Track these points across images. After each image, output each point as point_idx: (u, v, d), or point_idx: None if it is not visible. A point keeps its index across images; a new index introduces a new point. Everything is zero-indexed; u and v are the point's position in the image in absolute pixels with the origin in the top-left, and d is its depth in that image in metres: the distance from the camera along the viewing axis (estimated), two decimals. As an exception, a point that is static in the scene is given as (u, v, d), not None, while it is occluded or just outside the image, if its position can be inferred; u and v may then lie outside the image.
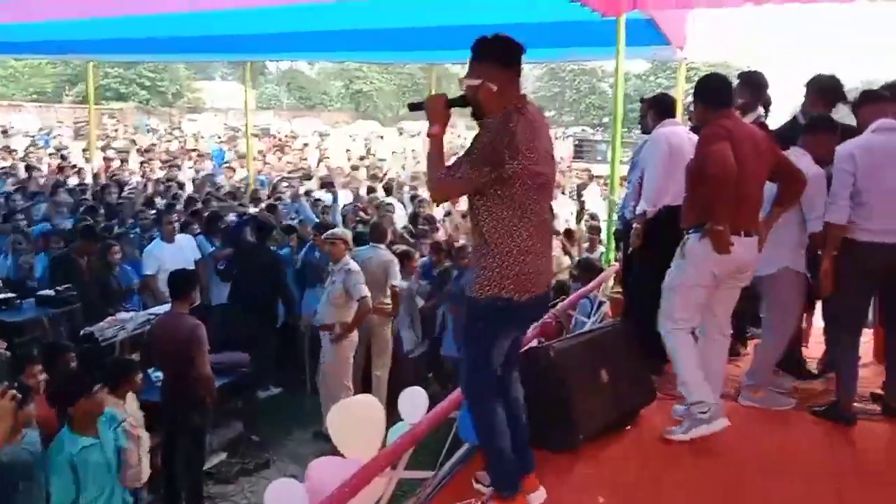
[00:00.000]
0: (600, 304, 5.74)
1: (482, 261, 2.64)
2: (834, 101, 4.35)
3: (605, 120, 39.62)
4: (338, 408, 2.85)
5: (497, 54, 2.59)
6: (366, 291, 5.83)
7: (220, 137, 24.65)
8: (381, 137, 27.65)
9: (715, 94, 3.56)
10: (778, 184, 3.65)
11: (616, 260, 6.15)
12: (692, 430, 3.55)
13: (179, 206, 9.12)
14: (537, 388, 3.17)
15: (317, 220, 8.15)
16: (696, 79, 3.90)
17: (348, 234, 6.07)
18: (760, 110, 4.64)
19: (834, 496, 3.12)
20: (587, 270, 6.43)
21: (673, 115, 4.49)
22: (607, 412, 3.61)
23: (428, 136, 2.67)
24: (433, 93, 2.76)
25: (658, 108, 4.53)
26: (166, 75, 37.86)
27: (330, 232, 6.15)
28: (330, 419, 2.82)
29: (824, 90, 4.36)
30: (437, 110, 2.63)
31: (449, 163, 2.63)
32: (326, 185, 11.07)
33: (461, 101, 2.67)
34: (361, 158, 15.13)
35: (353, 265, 5.87)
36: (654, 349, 4.37)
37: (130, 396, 4.32)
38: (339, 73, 44.89)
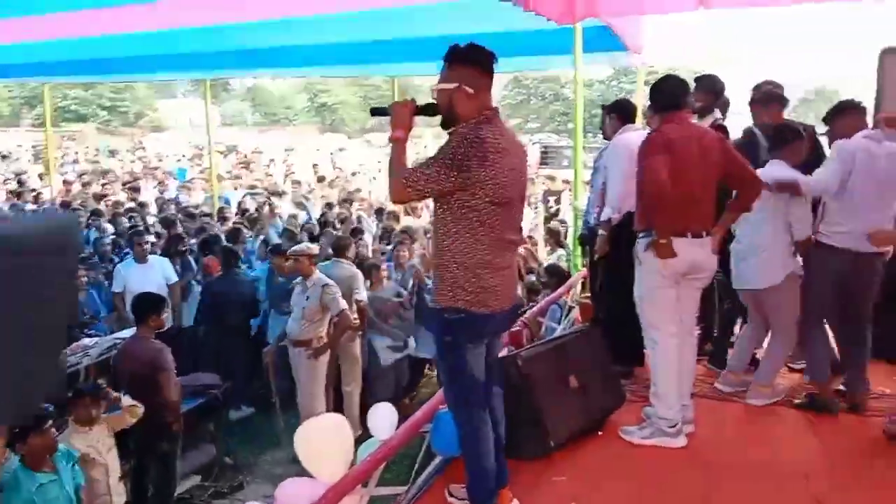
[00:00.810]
0: (570, 309, 5.77)
1: (440, 271, 2.64)
2: (780, 106, 4.45)
3: (571, 126, 39.85)
4: (304, 428, 2.81)
5: (474, 59, 2.60)
6: (344, 304, 5.81)
7: (183, 156, 24.39)
8: (342, 150, 27.56)
9: (662, 97, 3.59)
10: (736, 191, 3.69)
11: (583, 265, 6.19)
12: (652, 437, 3.59)
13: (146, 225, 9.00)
14: (507, 397, 3.16)
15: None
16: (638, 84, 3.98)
17: (313, 248, 6.02)
18: (717, 113, 4.71)
19: (807, 495, 3.15)
20: (555, 276, 6.47)
21: (633, 121, 4.54)
22: (578, 418, 3.63)
23: (390, 140, 2.64)
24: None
25: (618, 114, 4.58)
26: (127, 95, 37.44)
27: (292, 249, 6.09)
28: (297, 440, 2.78)
29: (767, 99, 4.45)
30: (402, 116, 2.62)
31: (411, 166, 2.60)
32: (298, 204, 11.02)
33: (430, 110, 2.67)
34: (320, 180, 14.96)
35: (327, 279, 5.83)
36: (623, 353, 4.43)
37: (99, 425, 4.21)
38: (304, 87, 44.74)
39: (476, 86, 2.57)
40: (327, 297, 5.73)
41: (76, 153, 23.95)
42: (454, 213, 2.55)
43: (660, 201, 3.30)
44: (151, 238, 7.76)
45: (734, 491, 3.20)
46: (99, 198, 12.15)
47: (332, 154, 25.03)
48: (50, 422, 3.60)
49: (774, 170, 3.88)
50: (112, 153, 25.84)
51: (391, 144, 2.64)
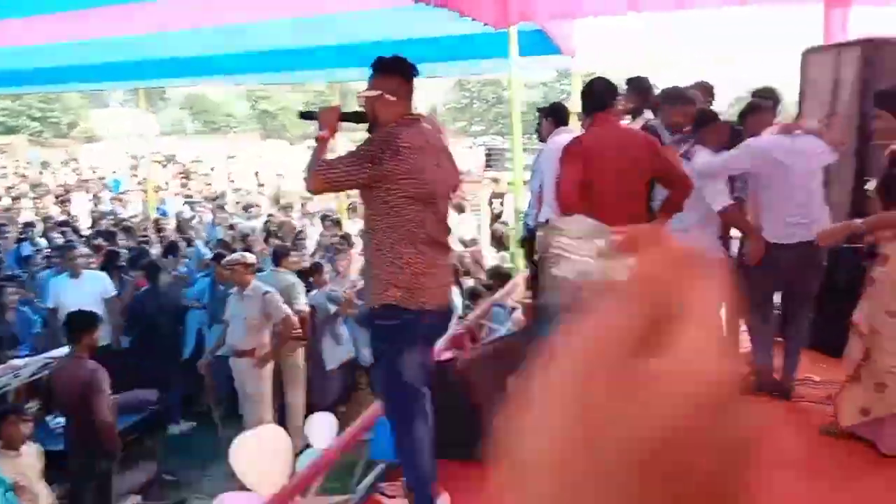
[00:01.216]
0: (513, 310, 5.81)
1: (371, 270, 2.69)
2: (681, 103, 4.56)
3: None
4: (240, 441, 2.77)
5: (398, 68, 2.75)
6: (288, 310, 5.76)
7: (117, 168, 23.75)
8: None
9: (588, 99, 3.65)
10: (668, 190, 3.75)
11: (525, 266, 6.25)
12: None
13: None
14: (446, 401, 3.17)
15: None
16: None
17: (249, 257, 5.92)
18: (648, 114, 4.82)
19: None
20: (497, 278, 6.52)
21: (566, 123, 4.60)
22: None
23: (316, 140, 2.77)
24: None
25: (553, 116, 4.66)
26: (58, 105, 36.27)
27: (226, 259, 5.98)
28: (233, 453, 2.73)
29: (672, 97, 4.55)
30: (329, 120, 2.77)
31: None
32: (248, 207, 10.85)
33: (355, 117, 2.83)
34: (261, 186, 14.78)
35: (266, 287, 5.76)
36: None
37: (28, 446, 4.07)
38: (245, 95, 44.08)
39: (397, 93, 2.71)
40: (269, 305, 5.66)
41: (4, 167, 23.09)
42: (377, 210, 2.63)
43: (568, 210, 3.37)
44: (85, 251, 7.50)
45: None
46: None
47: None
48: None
49: (697, 158, 3.97)
50: (44, 165, 24.96)
51: (316, 143, 2.77)
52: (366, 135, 2.76)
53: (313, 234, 9.57)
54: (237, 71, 10.20)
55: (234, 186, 15.60)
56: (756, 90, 4.92)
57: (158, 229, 9.68)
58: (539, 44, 7.02)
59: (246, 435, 2.86)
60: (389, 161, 2.53)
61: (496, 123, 42.09)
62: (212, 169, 22.61)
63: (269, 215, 10.65)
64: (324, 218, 10.25)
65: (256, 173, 19.40)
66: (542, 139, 4.95)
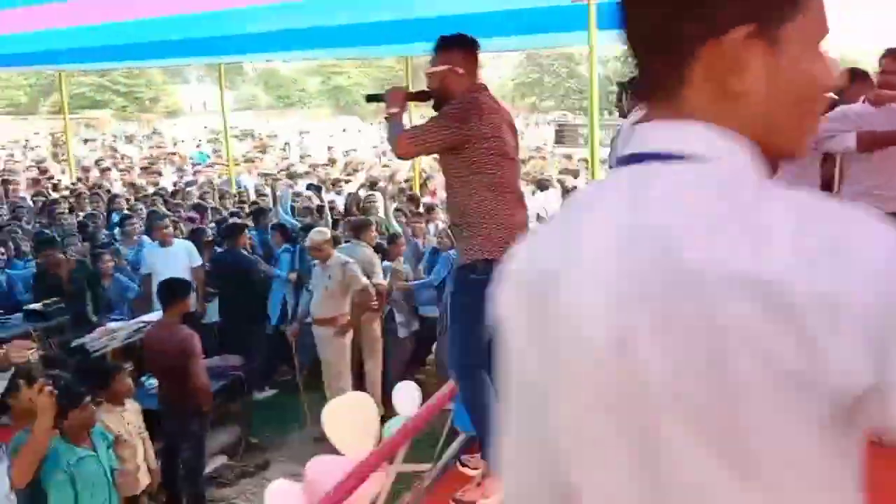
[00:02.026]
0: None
1: (465, 230, 2.75)
2: None
3: (586, 104, 39.62)
4: (331, 406, 2.88)
5: (461, 43, 2.81)
6: (366, 281, 5.93)
7: (200, 141, 24.52)
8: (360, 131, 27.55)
9: None
10: None
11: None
12: None
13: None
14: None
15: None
16: None
17: (325, 233, 6.10)
18: None
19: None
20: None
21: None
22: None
23: (386, 117, 2.85)
24: (409, 85, 2.93)
25: (633, 90, 4.54)
26: (141, 81, 37.55)
27: (311, 242, 6.06)
28: (324, 418, 2.84)
29: None
30: (396, 99, 2.84)
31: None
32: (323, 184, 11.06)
33: (422, 96, 2.90)
34: (332, 162, 15.02)
35: (346, 257, 5.95)
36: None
37: (130, 403, 4.33)
38: (317, 70, 44.65)
39: (465, 66, 2.78)
40: (348, 275, 5.83)
41: (93, 139, 24.14)
42: (466, 171, 2.70)
43: None
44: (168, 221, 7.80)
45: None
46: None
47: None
48: (88, 398, 3.70)
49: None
50: (129, 139, 26.00)
51: (388, 122, 2.85)
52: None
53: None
54: (310, 46, 10.34)
55: (312, 161, 15.85)
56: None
57: (241, 202, 9.98)
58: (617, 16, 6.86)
59: (337, 400, 2.97)
60: (477, 121, 2.62)
61: (567, 98, 41.48)
62: (286, 144, 23.06)
63: (358, 187, 10.78)
64: (400, 192, 10.33)
65: (330, 148, 19.61)
66: (623, 115, 4.86)
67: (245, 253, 7.11)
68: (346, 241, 6.60)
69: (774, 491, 0.61)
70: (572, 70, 41.20)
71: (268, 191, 10.21)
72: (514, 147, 2.80)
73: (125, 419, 4.26)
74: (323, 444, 5.99)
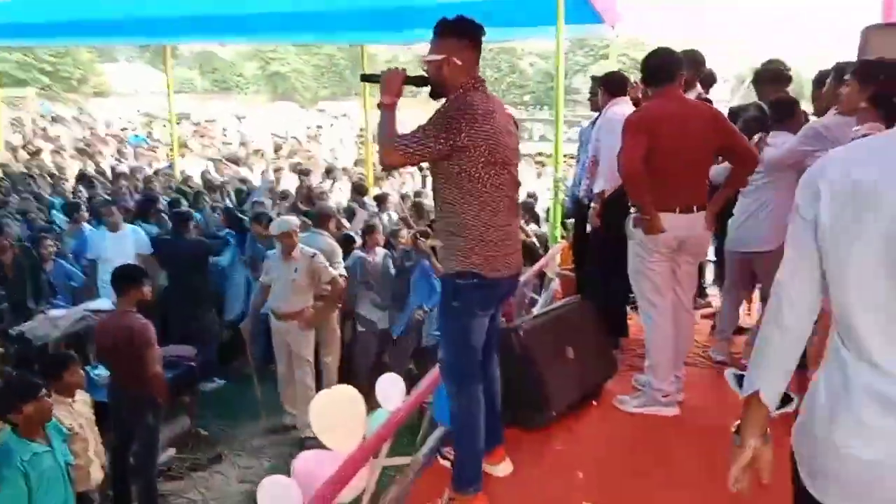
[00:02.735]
0: (549, 281, 5.81)
1: (449, 239, 2.65)
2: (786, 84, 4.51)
3: (526, 98, 40.02)
4: (319, 400, 2.79)
5: (462, 31, 2.64)
6: (334, 272, 5.79)
7: (129, 123, 23.65)
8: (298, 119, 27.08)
9: (655, 71, 3.56)
10: (731, 165, 3.71)
11: (563, 237, 6.24)
12: (645, 406, 3.67)
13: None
14: (508, 368, 3.18)
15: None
16: (616, 57, 3.97)
17: (296, 224, 5.88)
18: (699, 87, 4.76)
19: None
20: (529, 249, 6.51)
21: (624, 94, 4.51)
22: (574, 388, 3.67)
23: (379, 106, 2.66)
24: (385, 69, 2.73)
25: (609, 86, 4.57)
26: (68, 59, 35.92)
27: (279, 231, 5.74)
28: (311, 412, 2.75)
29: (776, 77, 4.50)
30: (392, 84, 2.65)
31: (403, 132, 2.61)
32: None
33: (420, 81, 2.71)
34: (277, 149, 14.74)
35: (311, 249, 5.76)
36: (611, 325, 4.49)
37: (80, 394, 4.11)
38: (254, 55, 43.66)
39: (464, 57, 2.62)
40: (315, 267, 5.67)
41: (19, 119, 22.94)
42: (453, 179, 2.57)
43: (633, 181, 3.38)
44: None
45: (728, 455, 3.28)
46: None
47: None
48: (44, 390, 3.49)
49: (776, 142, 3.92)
50: (56, 119, 24.82)
51: (380, 111, 2.66)
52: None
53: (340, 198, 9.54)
54: (250, 31, 10.11)
55: (255, 147, 15.47)
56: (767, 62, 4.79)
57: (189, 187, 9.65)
58: (581, 11, 6.93)
59: (324, 394, 2.87)
60: (467, 129, 2.49)
61: (508, 93, 41.75)
62: (224, 129, 22.48)
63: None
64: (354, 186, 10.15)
65: (274, 134, 19.19)
66: (596, 109, 4.89)
67: (196, 238, 6.89)
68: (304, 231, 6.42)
69: None
70: (514, 65, 41.48)
71: (215, 176, 9.89)
72: (510, 152, 2.66)
73: (76, 411, 4.04)
74: (277, 437, 5.95)
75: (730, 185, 3.72)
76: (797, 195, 1.43)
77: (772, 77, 4.46)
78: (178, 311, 6.60)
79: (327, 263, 5.74)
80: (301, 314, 5.72)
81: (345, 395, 2.83)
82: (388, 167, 2.92)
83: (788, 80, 4.50)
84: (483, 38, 2.68)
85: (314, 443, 5.28)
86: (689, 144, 3.40)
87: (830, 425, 1.35)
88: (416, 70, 2.78)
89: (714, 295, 5.67)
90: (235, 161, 11.84)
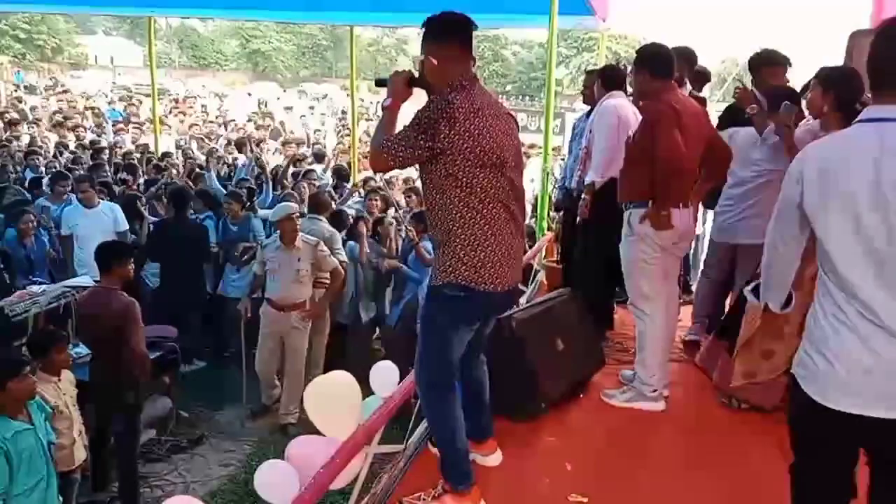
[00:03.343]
0: (536, 273, 5.84)
1: (439, 247, 2.55)
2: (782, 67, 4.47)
3: (509, 88, 40.02)
4: (314, 386, 2.77)
5: (434, 31, 2.55)
6: (336, 262, 5.74)
7: (107, 96, 23.22)
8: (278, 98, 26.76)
9: (664, 64, 3.53)
10: (707, 161, 3.72)
11: (549, 229, 6.26)
12: (633, 401, 3.70)
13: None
14: (499, 359, 3.19)
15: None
16: (598, 51, 3.88)
17: (294, 208, 5.79)
18: (689, 85, 4.79)
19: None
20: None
21: (620, 87, 4.52)
22: (564, 380, 3.70)
23: (382, 108, 2.63)
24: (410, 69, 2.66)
25: (604, 79, 4.58)
26: (44, 28, 35.17)
27: (279, 217, 5.63)
28: (307, 396, 2.73)
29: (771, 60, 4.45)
30: (397, 86, 2.60)
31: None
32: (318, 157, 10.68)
33: (423, 82, 2.62)
34: (258, 128, 14.55)
35: (312, 237, 5.70)
36: (598, 317, 4.53)
37: (65, 373, 4.06)
38: (235, 32, 43.11)
39: (441, 56, 2.51)
40: (320, 256, 5.61)
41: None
42: (440, 183, 2.46)
43: (678, 176, 3.34)
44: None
45: (714, 449, 3.35)
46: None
47: (261, 102, 24.19)
48: (28, 367, 3.43)
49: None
50: (30, 89, 24.29)
51: (382, 111, 2.63)
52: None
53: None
54: (234, 6, 9.95)
55: (237, 126, 15.27)
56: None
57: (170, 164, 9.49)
58: (573, 3, 6.93)
59: (319, 380, 2.86)
60: (447, 130, 2.37)
61: (490, 81, 41.68)
62: (203, 107, 22.16)
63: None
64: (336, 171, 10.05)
65: (254, 113, 18.94)
66: (589, 101, 4.91)
67: (194, 221, 6.81)
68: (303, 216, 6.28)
69: None
70: (497, 53, 41.45)
71: (197, 153, 9.74)
72: (507, 153, 2.52)
73: (61, 389, 3.99)
74: (260, 422, 5.92)
75: (711, 180, 3.79)
76: (785, 178, 1.95)
77: (766, 60, 4.33)
78: (168, 291, 6.52)
79: (329, 252, 5.68)
80: (303, 306, 5.65)
81: (341, 381, 2.81)
82: (376, 170, 2.84)
83: (785, 61, 4.34)
84: (472, 33, 2.57)
85: (295, 429, 5.32)
86: (694, 140, 3.44)
87: (829, 341, 1.82)
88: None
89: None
90: (242, 145, 11.27)
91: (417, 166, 2.57)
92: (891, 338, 1.74)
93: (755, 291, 2.34)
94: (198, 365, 6.73)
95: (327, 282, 5.83)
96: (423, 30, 2.56)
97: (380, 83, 2.71)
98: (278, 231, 5.67)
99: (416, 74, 2.63)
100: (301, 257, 5.57)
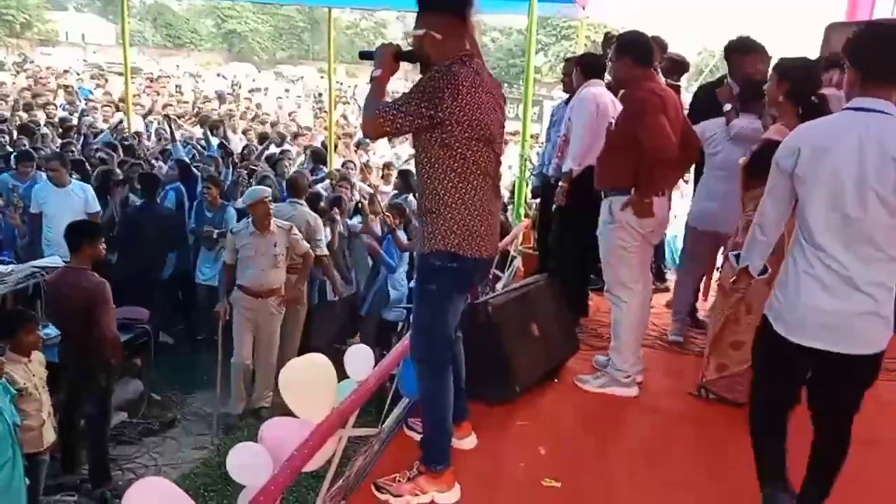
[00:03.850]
0: (512, 259, 5.85)
1: (429, 216, 2.57)
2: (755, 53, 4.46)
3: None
4: (289, 368, 2.75)
5: (444, 4, 2.54)
6: (307, 246, 5.68)
7: (78, 74, 22.74)
8: (253, 80, 26.45)
9: (646, 51, 3.54)
10: (680, 149, 3.73)
11: (526, 216, 6.28)
12: (606, 387, 3.74)
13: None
14: (475, 343, 3.20)
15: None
16: (577, 39, 3.86)
17: (268, 190, 5.71)
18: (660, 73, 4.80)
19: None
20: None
21: (599, 76, 4.53)
22: (539, 365, 3.73)
23: (371, 79, 2.59)
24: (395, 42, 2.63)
25: (584, 67, 4.57)
26: (12, 2, 34.33)
27: (254, 195, 5.52)
28: (282, 378, 2.71)
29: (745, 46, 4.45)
30: (385, 58, 2.57)
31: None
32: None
33: (410, 56, 2.62)
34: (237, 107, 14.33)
35: (283, 221, 5.63)
36: (572, 304, 4.55)
37: (36, 355, 3.99)
38: (210, 12, 42.45)
39: (446, 31, 2.51)
40: (294, 240, 5.55)
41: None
42: (435, 153, 2.49)
43: (669, 164, 3.36)
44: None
45: (685, 436, 3.40)
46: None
47: (234, 84, 23.89)
48: (-5, 347, 3.38)
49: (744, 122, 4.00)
50: (-2, 65, 23.72)
51: (371, 83, 2.59)
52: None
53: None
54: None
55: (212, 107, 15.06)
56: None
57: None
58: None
59: (294, 362, 2.84)
60: (450, 101, 2.39)
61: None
62: (177, 87, 21.81)
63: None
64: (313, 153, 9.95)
65: (229, 93, 18.68)
66: (568, 90, 4.91)
67: (168, 208, 6.72)
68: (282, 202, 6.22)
69: None
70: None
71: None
72: (496, 128, 2.57)
73: (31, 370, 3.92)
74: (233, 406, 5.88)
75: (682, 170, 3.83)
76: (778, 154, 2.30)
77: (740, 46, 4.32)
78: (132, 273, 6.44)
79: (301, 236, 5.60)
80: (279, 291, 5.58)
81: (316, 364, 2.79)
82: (370, 137, 2.81)
83: (759, 48, 4.32)
84: (472, 8, 2.55)
85: (269, 412, 5.29)
86: (674, 127, 3.45)
87: (799, 289, 2.24)
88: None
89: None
90: (216, 126, 11.01)
91: (411, 136, 2.58)
92: (853, 289, 2.16)
93: (737, 257, 2.67)
94: (166, 339, 6.65)
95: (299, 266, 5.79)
96: (424, 3, 2.55)
97: (364, 55, 2.71)
98: (250, 216, 5.54)
99: (404, 49, 2.62)
100: (277, 242, 5.49)
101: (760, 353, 2.51)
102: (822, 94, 3.15)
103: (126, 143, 9.35)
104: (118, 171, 7.51)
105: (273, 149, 9.59)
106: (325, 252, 5.93)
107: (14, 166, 7.40)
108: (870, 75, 2.16)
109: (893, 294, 2.22)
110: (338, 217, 6.37)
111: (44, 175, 6.71)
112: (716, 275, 4.82)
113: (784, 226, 2.44)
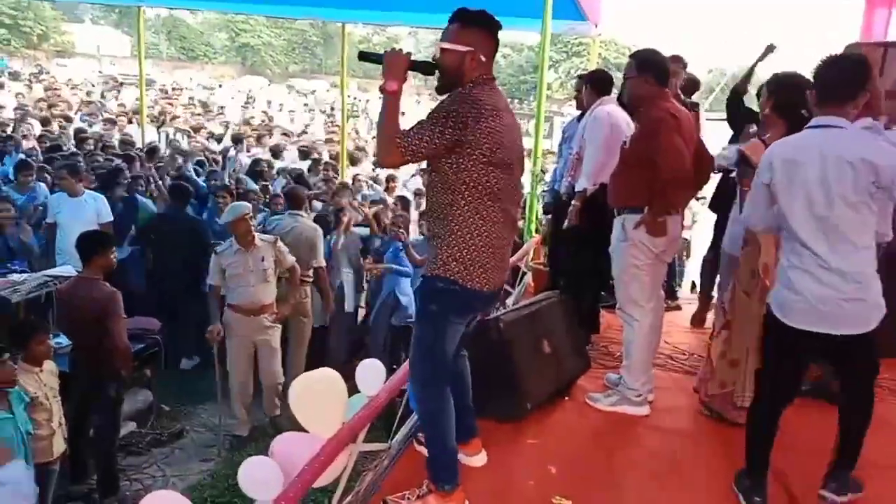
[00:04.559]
0: (523, 275, 5.84)
1: (436, 242, 2.52)
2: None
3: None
4: (299, 383, 2.75)
5: (487, 23, 2.49)
6: (293, 259, 5.60)
7: (93, 85, 23.00)
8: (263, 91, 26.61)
9: (665, 71, 3.55)
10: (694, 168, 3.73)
11: (537, 231, 6.28)
12: (617, 405, 3.71)
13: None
14: (486, 360, 3.19)
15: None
16: (589, 56, 3.86)
17: (248, 205, 5.57)
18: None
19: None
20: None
21: (609, 93, 4.54)
22: (550, 382, 3.71)
23: (382, 91, 2.45)
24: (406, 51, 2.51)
25: (595, 85, 4.58)
26: (30, 14, 34.75)
27: (236, 217, 5.30)
28: (292, 392, 2.71)
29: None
30: (397, 67, 2.41)
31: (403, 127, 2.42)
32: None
33: (427, 67, 2.53)
34: (248, 121, 14.46)
35: (267, 235, 5.57)
36: (583, 321, 4.54)
37: (47, 363, 4.00)
38: (224, 25, 42.82)
39: (487, 52, 2.48)
40: (281, 254, 5.46)
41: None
42: (449, 178, 2.42)
43: (685, 184, 3.36)
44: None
45: (696, 455, 3.37)
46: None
47: (249, 97, 24.05)
48: (7, 354, 3.38)
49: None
50: (13, 75, 23.97)
51: (383, 97, 2.46)
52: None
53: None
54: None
55: (223, 120, 15.17)
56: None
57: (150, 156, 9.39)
58: (566, 8, 6.96)
59: (305, 376, 2.83)
60: (473, 125, 2.34)
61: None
62: (190, 99, 22.01)
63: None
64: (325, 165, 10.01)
65: (244, 106, 18.80)
66: (581, 107, 4.91)
67: (192, 215, 6.75)
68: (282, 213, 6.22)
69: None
70: (487, 55, 41.46)
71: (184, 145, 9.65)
72: (514, 153, 2.51)
73: (42, 380, 3.93)
74: (240, 420, 5.87)
75: (696, 188, 3.83)
76: (758, 169, 2.70)
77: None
78: (160, 284, 6.46)
79: (287, 249, 5.51)
80: (271, 307, 5.45)
81: (326, 378, 2.80)
82: (385, 165, 2.70)
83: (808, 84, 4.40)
84: (500, 31, 2.54)
85: (286, 423, 5.25)
86: (688, 148, 3.46)
87: (795, 283, 2.57)
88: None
89: (686, 298, 5.77)
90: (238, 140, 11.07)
91: (427, 161, 2.49)
92: (840, 278, 2.49)
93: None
94: (196, 360, 6.62)
95: (308, 278, 5.77)
96: (465, 19, 2.48)
97: (364, 57, 2.58)
98: (232, 235, 5.34)
99: (418, 59, 2.51)
100: (264, 256, 5.33)
101: (766, 340, 2.80)
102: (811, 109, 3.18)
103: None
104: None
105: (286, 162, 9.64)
106: (322, 264, 5.86)
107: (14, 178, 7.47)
108: (824, 96, 2.57)
109: (877, 277, 2.55)
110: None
111: (43, 185, 6.76)
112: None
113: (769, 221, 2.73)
